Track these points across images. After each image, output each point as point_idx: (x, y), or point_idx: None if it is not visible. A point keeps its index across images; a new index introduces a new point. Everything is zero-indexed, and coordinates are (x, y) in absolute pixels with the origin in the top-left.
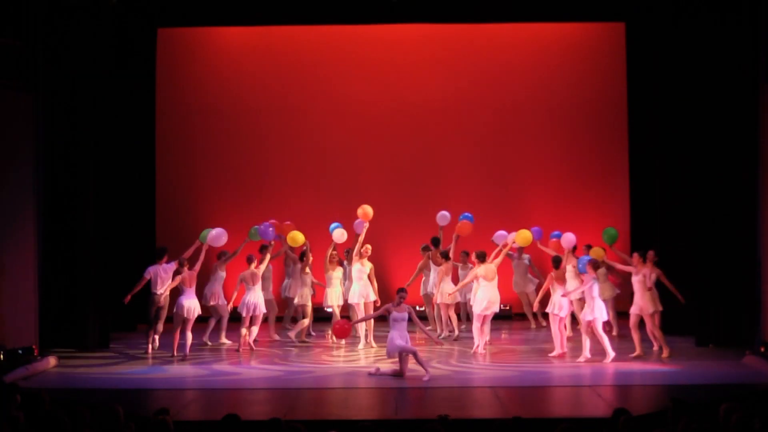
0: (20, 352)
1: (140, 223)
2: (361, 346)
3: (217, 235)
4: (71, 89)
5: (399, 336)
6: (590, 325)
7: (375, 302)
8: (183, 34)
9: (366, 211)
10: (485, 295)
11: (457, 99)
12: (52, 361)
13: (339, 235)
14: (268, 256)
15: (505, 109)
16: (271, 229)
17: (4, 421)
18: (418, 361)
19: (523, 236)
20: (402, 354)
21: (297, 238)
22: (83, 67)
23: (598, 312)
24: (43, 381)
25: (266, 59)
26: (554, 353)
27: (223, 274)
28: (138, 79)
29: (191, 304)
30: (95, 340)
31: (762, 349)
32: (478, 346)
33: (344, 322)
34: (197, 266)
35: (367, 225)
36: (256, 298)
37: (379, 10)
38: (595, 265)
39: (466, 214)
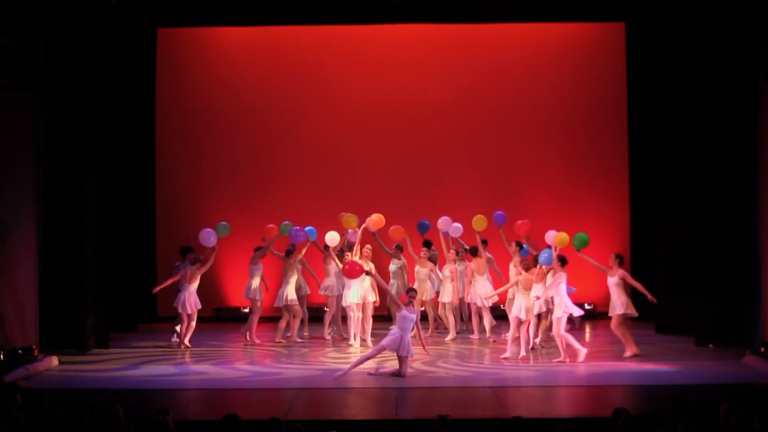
0: (20, 352)
1: (140, 223)
2: (357, 345)
3: (206, 235)
4: (71, 89)
5: (402, 335)
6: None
7: (374, 303)
8: (183, 34)
9: (379, 219)
10: (477, 289)
11: (458, 98)
12: (52, 361)
13: (331, 238)
14: (303, 251)
15: (505, 109)
16: (301, 232)
17: (4, 421)
18: (398, 361)
19: (478, 220)
20: (401, 354)
21: (351, 221)
22: (83, 67)
23: (520, 311)
24: (43, 381)
25: (266, 59)
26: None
27: (256, 268)
28: (138, 79)
29: (188, 300)
30: (95, 340)
31: (762, 349)
32: (490, 337)
33: (354, 263)
34: (205, 267)
35: (362, 226)
36: (287, 291)
37: (379, 10)
38: (523, 263)
39: (424, 221)
